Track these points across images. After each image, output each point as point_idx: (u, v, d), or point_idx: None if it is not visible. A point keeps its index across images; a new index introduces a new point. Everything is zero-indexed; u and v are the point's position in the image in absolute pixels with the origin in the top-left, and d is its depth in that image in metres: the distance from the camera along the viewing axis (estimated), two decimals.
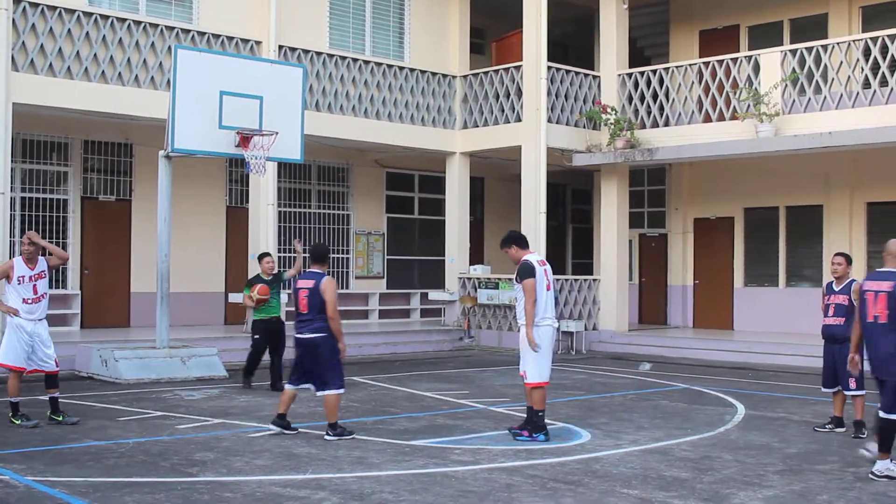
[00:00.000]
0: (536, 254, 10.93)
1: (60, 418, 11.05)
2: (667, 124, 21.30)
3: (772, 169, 21.61)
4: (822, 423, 11.48)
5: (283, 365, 13.75)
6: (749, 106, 19.54)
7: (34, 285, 11.08)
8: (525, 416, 10.71)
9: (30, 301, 11.05)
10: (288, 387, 10.82)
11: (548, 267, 10.75)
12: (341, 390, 10.52)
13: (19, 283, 11.00)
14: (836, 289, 11.11)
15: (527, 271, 10.44)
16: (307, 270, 10.95)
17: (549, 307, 10.55)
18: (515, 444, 10.14)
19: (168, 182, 15.70)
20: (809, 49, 19.27)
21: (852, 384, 10.76)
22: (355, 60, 21.01)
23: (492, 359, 19.41)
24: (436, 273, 23.85)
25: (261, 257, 14.81)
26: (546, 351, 10.47)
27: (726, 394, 14.37)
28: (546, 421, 10.55)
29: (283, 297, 19.28)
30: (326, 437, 10.31)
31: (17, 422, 10.87)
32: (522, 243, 10.83)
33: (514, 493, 8.09)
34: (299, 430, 10.74)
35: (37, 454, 9.34)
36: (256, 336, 14.41)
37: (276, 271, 14.70)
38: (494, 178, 26.21)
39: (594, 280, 22.19)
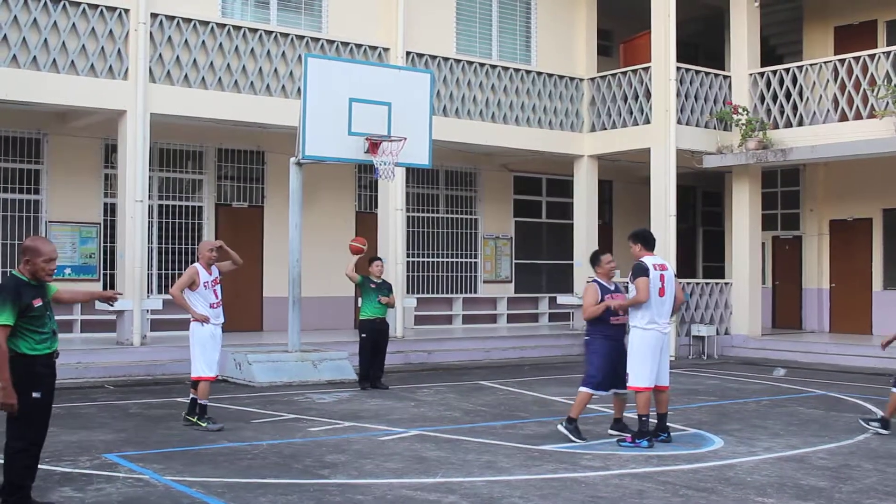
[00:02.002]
0: (658, 257, 10.76)
1: (195, 420, 11.17)
2: (800, 124, 20.79)
3: None
4: None
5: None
6: (888, 103, 18.94)
7: (214, 290, 11.29)
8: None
9: (215, 305, 11.26)
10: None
11: (668, 272, 10.55)
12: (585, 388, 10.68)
13: (205, 289, 11.20)
14: None
15: (639, 271, 10.35)
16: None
17: (662, 313, 10.39)
18: (649, 451, 10.00)
19: (299, 188, 15.97)
20: None
21: None
22: (482, 65, 21.05)
23: None
24: (564, 277, 23.73)
25: (371, 261, 15.05)
26: (651, 355, 10.32)
27: (865, 400, 13.95)
28: (677, 426, 10.39)
29: (405, 302, 19.60)
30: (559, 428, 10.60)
31: (203, 424, 10.99)
32: (648, 244, 10.66)
33: (646, 499, 7.97)
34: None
35: (175, 454, 9.58)
36: (364, 335, 14.75)
37: (383, 276, 15.13)
38: (623, 180, 25.94)
39: (726, 284, 21.79)
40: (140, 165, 16.69)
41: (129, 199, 16.66)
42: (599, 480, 8.63)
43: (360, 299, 18.61)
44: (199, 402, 11.09)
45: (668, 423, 10.63)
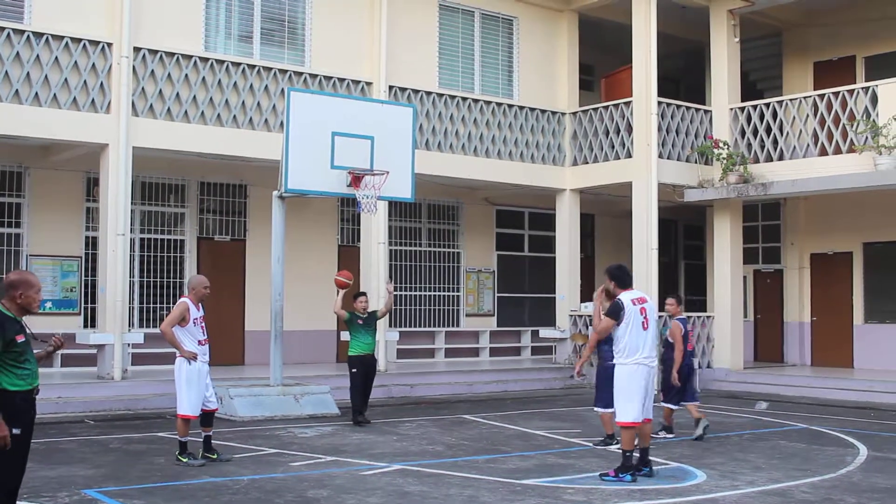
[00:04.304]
0: (637, 291, 10.81)
1: (215, 456, 11.12)
2: (781, 158, 20.92)
3: (892, 202, 21.03)
4: None
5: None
6: (867, 138, 19.09)
7: (202, 327, 11.19)
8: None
9: (202, 342, 11.13)
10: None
11: (648, 305, 10.61)
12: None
13: (194, 325, 11.08)
14: None
15: (611, 310, 10.44)
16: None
17: (646, 346, 10.43)
18: (630, 485, 9.98)
19: (282, 222, 15.96)
20: None
21: None
22: (465, 99, 21.14)
23: None
24: (546, 310, 23.72)
25: (355, 297, 15.01)
26: (637, 391, 10.34)
27: (847, 434, 13.97)
28: (660, 460, 10.39)
29: (388, 335, 19.55)
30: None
31: (184, 460, 10.90)
32: (621, 282, 10.71)
33: None
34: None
35: (156, 490, 9.51)
36: (354, 370, 14.63)
37: (370, 310, 15.06)
38: (605, 214, 26.05)
39: (707, 317, 21.84)
40: (122, 199, 16.67)
41: (111, 232, 16.62)
42: None
43: (342, 333, 18.65)
44: (179, 439, 11.03)
45: (650, 457, 10.63)
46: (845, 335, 22.58)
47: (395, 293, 14.42)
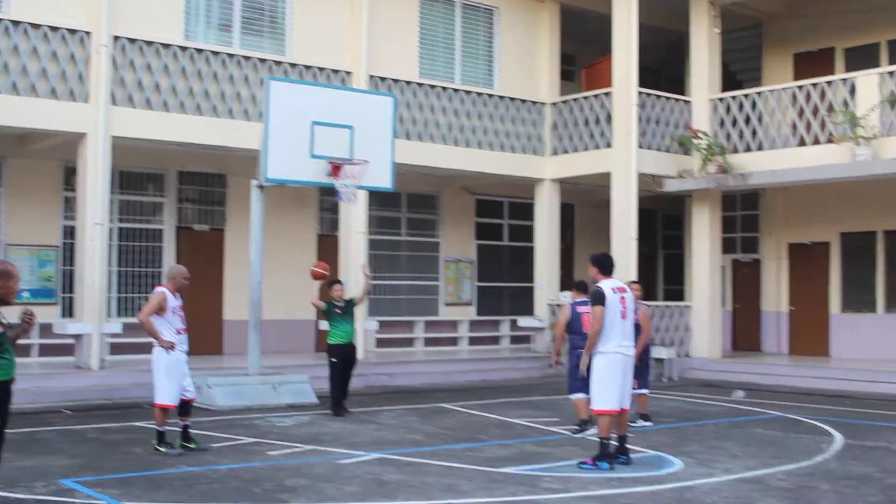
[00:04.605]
0: (617, 280, 10.85)
1: (193, 445, 11.10)
2: (760, 149, 21.01)
3: (869, 193, 21.17)
4: None
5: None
6: (845, 129, 19.19)
7: (180, 316, 11.13)
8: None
9: (181, 332, 11.08)
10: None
11: (627, 294, 10.68)
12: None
13: (172, 314, 11.03)
14: None
15: (595, 298, 10.48)
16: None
17: (624, 335, 10.49)
18: (608, 473, 10.03)
19: (260, 211, 15.93)
20: None
21: None
22: (445, 89, 21.14)
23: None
24: (525, 300, 23.75)
25: (331, 284, 14.96)
26: (614, 379, 10.40)
27: (823, 422, 14.06)
28: (637, 448, 10.45)
29: (367, 324, 19.54)
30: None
31: (162, 449, 10.89)
32: (605, 269, 10.75)
33: None
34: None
35: (133, 480, 9.50)
36: (334, 359, 14.56)
37: (346, 297, 14.96)
38: (584, 204, 26.09)
39: (686, 306, 21.94)
40: (100, 188, 16.60)
41: (89, 221, 16.56)
42: (560, 503, 8.64)
43: (321, 322, 18.64)
44: (157, 428, 11.01)
45: (627, 446, 10.67)
46: (822, 325, 22.72)
47: (372, 278, 14.41)
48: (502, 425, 13.64)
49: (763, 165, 20.56)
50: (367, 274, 15.13)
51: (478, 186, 24.03)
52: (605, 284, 10.54)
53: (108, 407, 15.00)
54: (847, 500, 8.90)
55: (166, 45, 17.48)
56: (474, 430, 13.18)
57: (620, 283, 10.89)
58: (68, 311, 18.16)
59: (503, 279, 24.97)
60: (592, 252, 11.87)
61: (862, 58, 22.15)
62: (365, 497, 8.81)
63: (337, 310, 14.62)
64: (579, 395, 12.43)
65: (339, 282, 15.17)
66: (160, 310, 10.96)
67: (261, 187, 15.85)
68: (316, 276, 14.76)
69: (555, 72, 23.18)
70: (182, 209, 20.09)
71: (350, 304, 14.82)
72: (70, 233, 18.15)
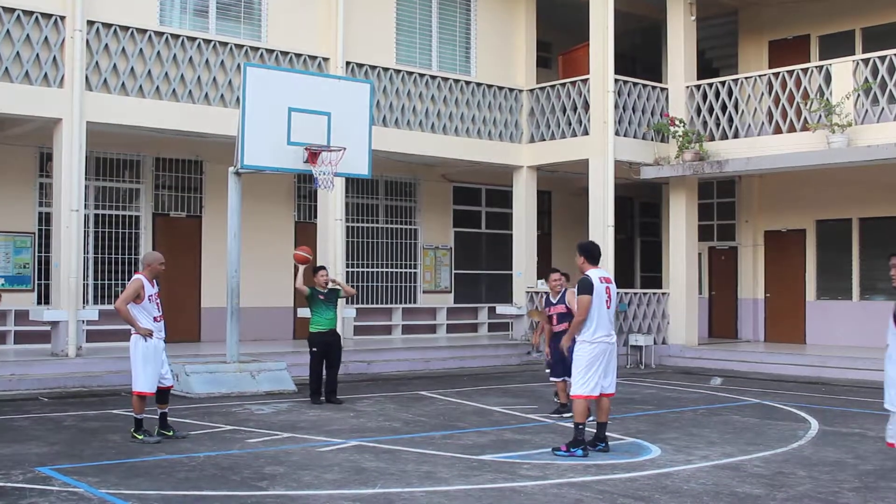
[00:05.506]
0: (602, 270, 10.88)
1: (171, 433, 11.06)
2: (736, 136, 21.09)
3: (844, 180, 21.28)
4: None
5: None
6: (820, 116, 19.28)
7: (157, 303, 11.07)
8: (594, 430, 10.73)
9: (158, 319, 11.02)
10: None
11: (612, 285, 10.76)
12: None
13: (149, 302, 10.96)
14: None
15: (585, 287, 10.50)
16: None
17: (607, 324, 10.55)
18: (585, 460, 10.06)
19: (238, 198, 15.87)
20: (882, 58, 18.94)
21: None
22: (422, 75, 21.09)
23: None
24: (503, 287, 23.80)
25: (315, 270, 14.90)
26: (593, 366, 10.44)
27: (799, 409, 14.16)
28: (615, 436, 10.50)
29: (345, 312, 19.49)
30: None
31: (140, 437, 10.84)
32: (592, 259, 10.78)
33: None
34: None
35: (111, 467, 9.46)
36: (314, 349, 14.50)
37: (330, 285, 14.84)
38: (562, 191, 26.13)
39: (663, 294, 22.03)
40: (76, 174, 16.48)
41: (65, 208, 16.44)
42: (538, 490, 8.67)
43: (299, 309, 18.59)
44: (135, 416, 10.97)
45: (606, 433, 10.71)
46: (798, 312, 22.86)
47: (352, 288, 15.36)
48: (480, 412, 13.66)
49: (739, 153, 20.63)
50: (343, 287, 15.15)
51: (455, 173, 24.03)
52: (593, 274, 10.59)
53: (85, 394, 14.93)
54: (822, 486, 8.96)
55: (142, 31, 17.36)
56: (453, 417, 13.20)
57: (605, 272, 10.93)
58: (44, 298, 18.07)
59: (481, 266, 25.01)
60: (576, 241, 11.97)
61: (837, 45, 22.24)
62: (343, 484, 8.81)
63: (320, 296, 14.54)
64: (558, 379, 12.92)
65: (323, 268, 15.11)
66: (137, 297, 10.90)
67: (238, 174, 15.79)
68: (299, 260, 14.71)
69: (531, 59, 23.17)
70: (159, 196, 20.00)
71: (334, 293, 14.74)
72: (46, 219, 18.04)
